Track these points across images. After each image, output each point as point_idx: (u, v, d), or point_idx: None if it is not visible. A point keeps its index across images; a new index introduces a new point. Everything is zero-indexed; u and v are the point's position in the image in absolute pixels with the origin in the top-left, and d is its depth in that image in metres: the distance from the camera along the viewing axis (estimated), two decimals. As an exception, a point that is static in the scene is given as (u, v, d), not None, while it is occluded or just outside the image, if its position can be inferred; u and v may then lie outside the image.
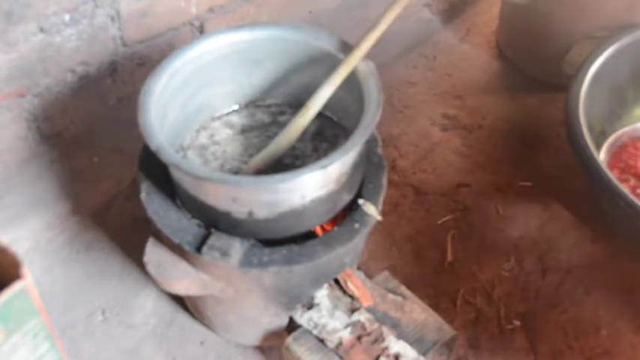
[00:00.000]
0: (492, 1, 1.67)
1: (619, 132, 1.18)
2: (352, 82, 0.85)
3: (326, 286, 0.89)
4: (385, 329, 0.86)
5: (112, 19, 0.99)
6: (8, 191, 1.03)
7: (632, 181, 1.14)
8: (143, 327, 1.03)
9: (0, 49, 0.89)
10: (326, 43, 0.89)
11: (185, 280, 0.84)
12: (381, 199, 0.89)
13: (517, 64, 1.51)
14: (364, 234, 0.86)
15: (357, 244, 0.86)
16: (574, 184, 1.19)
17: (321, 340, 0.85)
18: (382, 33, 0.84)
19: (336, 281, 0.90)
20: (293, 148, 0.91)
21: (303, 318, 0.87)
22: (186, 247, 0.81)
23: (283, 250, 0.82)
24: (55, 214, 1.12)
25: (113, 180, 1.16)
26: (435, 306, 1.03)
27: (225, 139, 0.95)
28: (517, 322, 1.05)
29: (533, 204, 1.23)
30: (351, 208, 0.87)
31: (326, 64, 0.88)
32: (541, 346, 1.03)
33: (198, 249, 0.80)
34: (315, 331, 0.86)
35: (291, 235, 0.84)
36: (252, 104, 0.99)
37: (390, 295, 0.92)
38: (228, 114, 0.98)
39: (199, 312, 1.00)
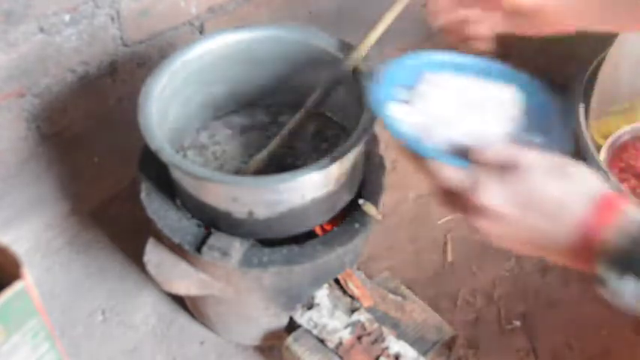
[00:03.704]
0: (492, 1, 1.66)
1: (619, 132, 1.18)
2: (352, 82, 0.85)
3: (326, 286, 0.89)
4: (385, 329, 0.86)
5: (112, 19, 0.99)
6: (8, 191, 1.03)
7: (632, 181, 1.14)
8: (143, 327, 1.03)
9: (0, 49, 0.89)
10: (326, 44, 0.89)
11: (185, 280, 0.84)
12: (381, 199, 0.89)
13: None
14: (364, 234, 0.86)
15: (357, 244, 0.86)
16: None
17: (321, 340, 0.85)
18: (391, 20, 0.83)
19: (336, 281, 0.90)
20: (293, 148, 0.91)
21: (303, 318, 0.87)
22: (186, 247, 0.81)
23: (283, 250, 0.82)
24: (55, 214, 1.12)
25: (113, 180, 1.16)
26: (435, 306, 1.03)
27: (225, 139, 0.95)
28: (517, 322, 1.05)
29: (533, 204, 1.23)
30: (351, 208, 0.87)
31: (326, 64, 0.88)
32: (541, 346, 1.03)
33: (198, 249, 0.80)
34: (315, 331, 0.86)
35: (291, 235, 0.84)
36: (252, 104, 0.98)
37: (390, 295, 0.92)
38: (228, 114, 0.98)
39: (199, 312, 1.00)
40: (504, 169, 0.51)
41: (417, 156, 0.55)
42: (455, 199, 0.53)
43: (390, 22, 0.84)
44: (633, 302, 0.44)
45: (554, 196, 0.49)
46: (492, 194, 0.50)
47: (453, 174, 0.52)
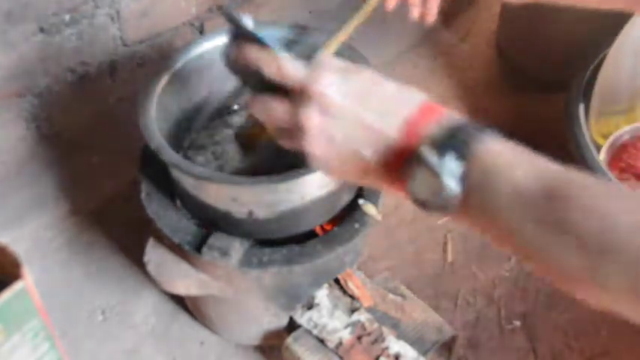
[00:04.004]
0: (492, 1, 1.66)
1: (619, 132, 1.18)
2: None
3: (326, 286, 0.89)
4: (385, 329, 0.86)
5: (112, 19, 0.99)
6: (8, 191, 1.03)
7: (632, 181, 1.14)
8: (143, 327, 1.03)
9: (0, 49, 0.89)
10: (323, 42, 0.89)
11: (185, 280, 0.84)
12: (381, 199, 0.89)
13: (517, 64, 1.51)
14: (364, 234, 0.86)
15: (357, 244, 0.86)
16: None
17: (321, 340, 0.85)
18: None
19: (337, 281, 0.90)
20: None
21: (303, 318, 0.87)
22: (186, 247, 0.81)
23: (283, 250, 0.82)
24: (55, 215, 1.12)
25: (113, 180, 1.16)
26: (435, 306, 1.03)
27: (225, 139, 0.94)
28: (517, 322, 1.05)
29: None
30: (351, 208, 0.87)
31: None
32: (541, 346, 1.03)
33: (198, 249, 0.80)
34: (315, 331, 0.86)
35: (291, 235, 0.84)
36: (252, 104, 0.98)
37: (390, 295, 0.92)
38: (228, 114, 0.98)
39: (200, 312, 1.00)
40: (345, 67, 0.53)
41: (263, 49, 0.55)
42: (291, 94, 0.53)
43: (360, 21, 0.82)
44: (451, 181, 0.46)
45: (388, 94, 0.51)
46: (332, 83, 0.51)
47: (297, 66, 0.53)
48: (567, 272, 0.43)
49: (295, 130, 0.52)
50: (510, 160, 0.46)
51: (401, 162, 0.49)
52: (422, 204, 0.48)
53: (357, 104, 0.51)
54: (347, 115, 0.50)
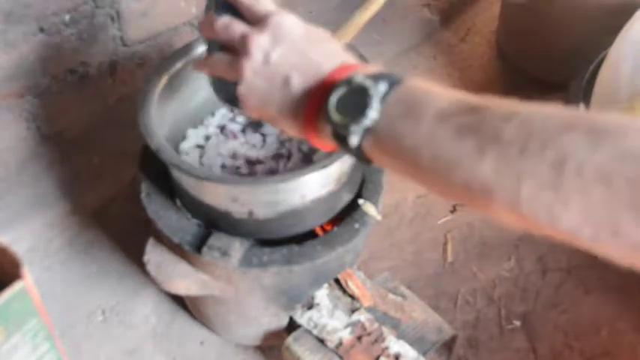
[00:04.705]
0: (492, 1, 1.66)
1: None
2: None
3: (326, 286, 0.89)
4: (385, 329, 0.86)
5: (112, 19, 0.99)
6: (8, 191, 1.03)
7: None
8: (143, 327, 1.03)
9: (0, 49, 0.89)
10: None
11: (185, 280, 0.84)
12: (381, 199, 0.89)
13: (517, 64, 1.51)
14: (364, 234, 0.86)
15: (357, 244, 0.86)
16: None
17: (321, 340, 0.85)
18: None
19: (337, 281, 0.90)
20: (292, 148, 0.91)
21: (303, 318, 0.87)
22: (186, 247, 0.81)
23: (283, 250, 0.82)
24: (55, 214, 1.12)
25: (113, 180, 1.16)
26: (435, 306, 1.03)
27: (225, 138, 0.94)
28: (517, 322, 1.05)
29: (533, 204, 1.23)
30: (351, 208, 0.87)
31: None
32: (541, 346, 1.03)
33: (198, 249, 0.80)
34: (315, 331, 0.86)
35: (291, 235, 0.84)
36: (252, 104, 0.98)
37: (390, 295, 0.92)
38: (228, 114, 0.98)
39: (199, 312, 1.00)
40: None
41: None
42: (256, 20, 0.59)
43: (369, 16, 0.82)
44: (376, 102, 0.48)
45: (335, 45, 0.58)
46: (294, 19, 0.59)
47: (271, 4, 0.61)
48: (478, 181, 0.43)
49: (242, 46, 0.57)
50: (438, 89, 0.50)
51: (323, 91, 0.52)
52: (335, 130, 0.50)
53: (306, 39, 0.57)
54: (295, 42, 0.56)
